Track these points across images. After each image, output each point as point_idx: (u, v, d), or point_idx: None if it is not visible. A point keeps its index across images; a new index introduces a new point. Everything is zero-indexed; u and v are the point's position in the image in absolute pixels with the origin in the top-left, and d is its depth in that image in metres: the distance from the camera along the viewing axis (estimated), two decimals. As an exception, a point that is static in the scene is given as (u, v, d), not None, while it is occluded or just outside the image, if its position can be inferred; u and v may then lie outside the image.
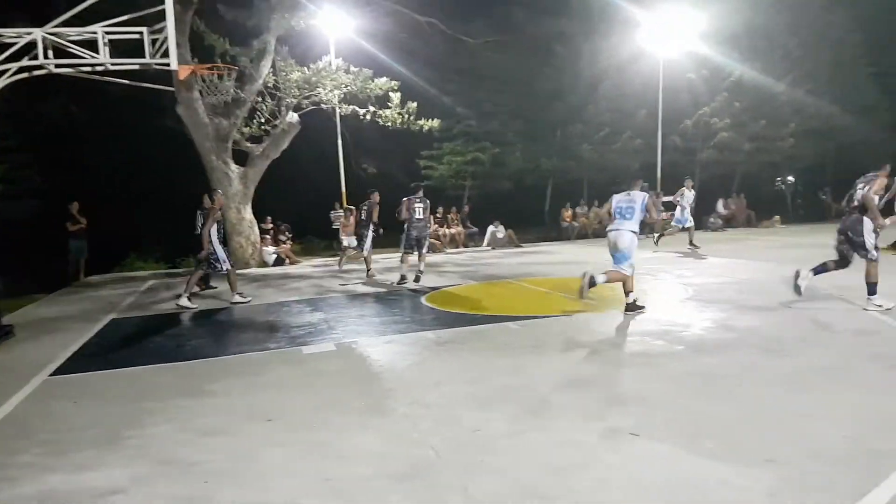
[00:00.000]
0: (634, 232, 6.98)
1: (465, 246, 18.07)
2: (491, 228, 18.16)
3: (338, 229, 16.92)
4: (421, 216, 10.07)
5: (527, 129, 24.18)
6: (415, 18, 17.22)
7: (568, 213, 20.66)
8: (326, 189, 18.19)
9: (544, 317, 7.16)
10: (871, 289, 6.64)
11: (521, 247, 17.73)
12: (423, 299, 8.75)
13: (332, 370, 5.34)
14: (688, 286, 8.81)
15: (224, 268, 9.07)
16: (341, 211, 16.71)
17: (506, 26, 22.19)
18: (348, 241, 16.64)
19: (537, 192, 25.77)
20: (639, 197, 7.04)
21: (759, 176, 25.11)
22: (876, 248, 6.56)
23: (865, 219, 6.51)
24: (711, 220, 21.12)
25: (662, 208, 9.98)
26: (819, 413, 3.77)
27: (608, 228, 7.25)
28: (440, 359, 5.52)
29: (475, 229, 18.90)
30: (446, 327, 6.78)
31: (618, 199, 7.16)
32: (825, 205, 25.11)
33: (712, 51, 21.35)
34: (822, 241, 14.62)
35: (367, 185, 14.32)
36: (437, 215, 17.85)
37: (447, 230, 18.01)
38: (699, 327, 6.27)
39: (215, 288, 10.51)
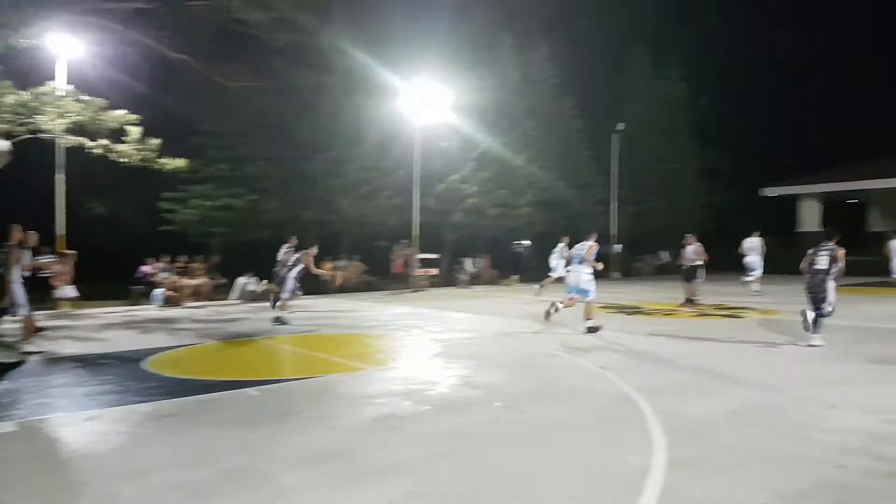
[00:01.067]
0: (588, 273, 9.29)
1: (211, 299, 16.49)
2: (241, 280, 16.84)
3: (45, 278, 14.17)
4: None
5: (286, 178, 23.46)
6: (164, 52, 15.77)
7: (328, 266, 20.25)
8: (41, 231, 15.29)
9: (288, 380, 6.56)
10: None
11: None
12: (144, 364, 7.40)
13: (7, 457, 4.14)
14: (437, 342, 8.94)
15: (21, 312, 8.13)
16: (51, 257, 14.06)
17: (266, 73, 21.49)
18: (63, 291, 14.12)
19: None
20: (586, 245, 9.44)
21: (502, 238, 27.60)
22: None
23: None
24: (460, 277, 22.48)
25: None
26: (556, 474, 3.78)
27: (567, 269, 9.98)
28: (154, 438, 4.57)
29: (224, 281, 17.42)
30: (169, 397, 5.75)
31: (575, 248, 9.66)
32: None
33: (463, 122, 23.20)
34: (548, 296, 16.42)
35: (90, 228, 12.35)
36: (179, 265, 16.16)
37: (189, 281, 16.25)
38: (445, 385, 6.21)
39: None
